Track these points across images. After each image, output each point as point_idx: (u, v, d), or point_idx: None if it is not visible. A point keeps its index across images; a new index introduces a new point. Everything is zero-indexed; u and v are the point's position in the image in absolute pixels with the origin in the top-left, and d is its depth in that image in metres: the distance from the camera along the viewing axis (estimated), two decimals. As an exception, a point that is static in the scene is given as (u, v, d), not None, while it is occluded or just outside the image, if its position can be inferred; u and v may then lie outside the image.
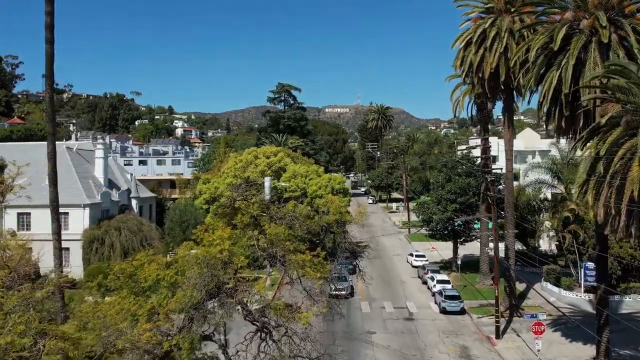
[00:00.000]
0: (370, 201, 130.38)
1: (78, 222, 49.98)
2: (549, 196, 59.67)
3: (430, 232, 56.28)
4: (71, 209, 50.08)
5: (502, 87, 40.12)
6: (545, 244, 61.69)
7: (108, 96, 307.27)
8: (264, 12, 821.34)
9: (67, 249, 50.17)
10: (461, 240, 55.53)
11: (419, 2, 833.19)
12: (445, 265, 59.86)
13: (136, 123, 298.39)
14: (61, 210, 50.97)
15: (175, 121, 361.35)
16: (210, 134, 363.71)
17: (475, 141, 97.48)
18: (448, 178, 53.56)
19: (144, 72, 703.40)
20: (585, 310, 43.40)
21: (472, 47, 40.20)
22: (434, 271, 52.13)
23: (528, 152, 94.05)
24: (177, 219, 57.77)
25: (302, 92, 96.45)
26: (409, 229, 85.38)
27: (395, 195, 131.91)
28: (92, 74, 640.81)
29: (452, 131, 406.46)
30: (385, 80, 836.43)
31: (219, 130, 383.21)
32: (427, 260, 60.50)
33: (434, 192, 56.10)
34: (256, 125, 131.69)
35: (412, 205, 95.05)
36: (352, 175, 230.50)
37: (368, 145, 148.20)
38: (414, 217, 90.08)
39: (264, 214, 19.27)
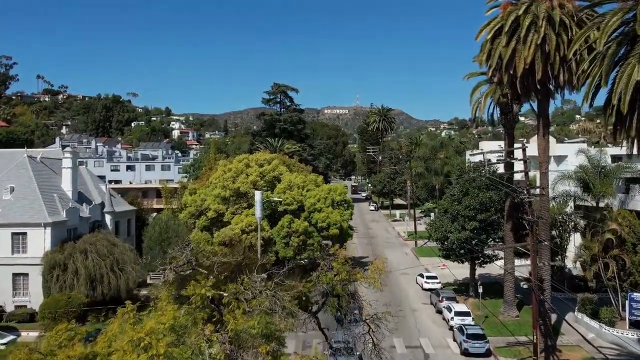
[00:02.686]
0: (372, 208, 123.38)
1: (38, 243, 43.14)
2: (572, 208, 53.29)
3: (444, 253, 49.38)
4: (30, 228, 43.32)
5: (538, 86, 33.32)
6: (571, 263, 55.14)
7: (102, 97, 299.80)
8: (262, 12, 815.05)
9: (26, 274, 43.67)
10: (479, 262, 48.67)
11: (418, 2, 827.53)
12: (461, 288, 53.06)
13: (132, 125, 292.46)
14: (19, 230, 44.23)
15: (172, 123, 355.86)
16: (207, 135, 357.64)
17: (489, 145, 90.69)
18: (465, 191, 46.73)
19: (142, 73, 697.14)
20: (634, 351, 36.53)
21: (501, 38, 33.41)
22: (449, 298, 45.31)
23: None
24: (156, 236, 50.99)
25: (299, 92, 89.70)
26: (415, 241, 78.45)
27: (398, 201, 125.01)
28: (90, 75, 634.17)
29: (452, 132, 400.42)
30: (384, 81, 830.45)
31: (217, 132, 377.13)
32: (439, 283, 53.73)
33: (448, 204, 49.18)
34: (254, 127, 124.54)
35: (417, 212, 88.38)
36: (353, 177, 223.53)
37: (369, 149, 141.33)
38: (420, 226, 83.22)
39: (226, 294, 12.58)
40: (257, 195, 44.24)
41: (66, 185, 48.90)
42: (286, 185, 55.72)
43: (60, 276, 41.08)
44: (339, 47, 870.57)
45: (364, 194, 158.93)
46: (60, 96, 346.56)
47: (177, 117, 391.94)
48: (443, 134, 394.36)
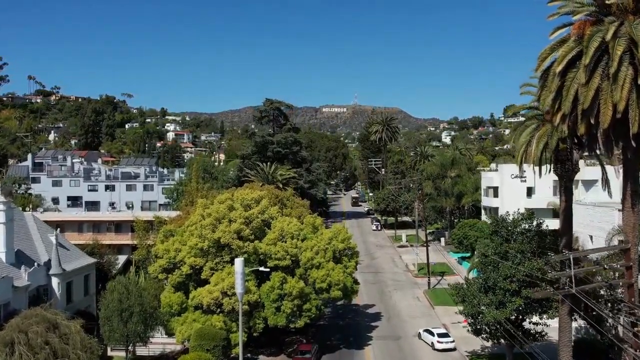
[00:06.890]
0: (375, 227, 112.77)
1: (-50, 332, 32.94)
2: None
3: (474, 328, 39.35)
4: (-61, 313, 33.19)
5: (633, 142, 23.19)
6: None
7: (92, 101, 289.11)
8: (261, 11, 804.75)
9: None
10: (521, 340, 38.59)
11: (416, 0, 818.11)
12: (491, 358, 43.29)
13: (126, 127, 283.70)
14: None
15: (167, 124, 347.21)
16: (203, 137, 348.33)
17: (508, 168, 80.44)
18: (504, 253, 36.67)
19: (138, 73, 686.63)
20: None
21: (578, 72, 23.29)
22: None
23: (570, 181, 77.42)
24: (115, 305, 40.80)
25: (295, 103, 79.63)
26: (428, 281, 68.06)
27: (404, 219, 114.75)
28: (84, 75, 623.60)
29: (452, 133, 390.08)
30: (382, 80, 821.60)
31: (213, 133, 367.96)
32: (453, 342, 45.63)
33: (479, 267, 39.26)
34: (253, 125, 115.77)
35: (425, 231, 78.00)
36: (356, 186, 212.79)
37: (372, 161, 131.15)
38: (432, 255, 72.68)
39: None
40: (238, 265, 34.08)
41: (-2, 245, 38.78)
42: (277, 235, 45.65)
43: (-27, 383, 30.98)
44: (337, 46, 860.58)
45: (365, 207, 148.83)
46: (53, 97, 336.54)
47: (172, 118, 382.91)
48: (443, 134, 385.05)
